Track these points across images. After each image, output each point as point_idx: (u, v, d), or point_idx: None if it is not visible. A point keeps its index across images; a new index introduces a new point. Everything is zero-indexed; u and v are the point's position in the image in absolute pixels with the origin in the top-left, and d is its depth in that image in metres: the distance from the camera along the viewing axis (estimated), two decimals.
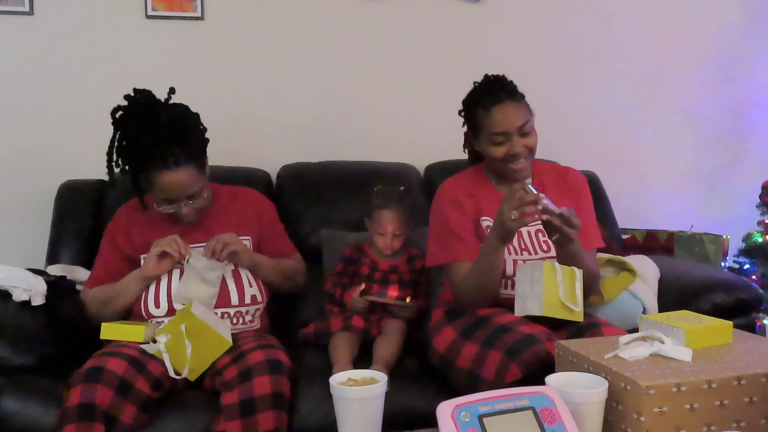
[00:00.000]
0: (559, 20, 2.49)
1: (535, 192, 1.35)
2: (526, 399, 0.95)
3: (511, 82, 1.57)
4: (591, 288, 1.56)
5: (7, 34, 2.15)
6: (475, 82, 1.60)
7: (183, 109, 1.61)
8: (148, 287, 1.62)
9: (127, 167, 1.57)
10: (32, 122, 2.18)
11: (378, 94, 2.39)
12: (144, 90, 1.58)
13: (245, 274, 1.67)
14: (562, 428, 0.94)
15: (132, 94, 1.57)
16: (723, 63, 2.65)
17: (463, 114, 1.62)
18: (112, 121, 1.57)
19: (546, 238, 1.53)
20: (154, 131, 1.52)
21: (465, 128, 1.65)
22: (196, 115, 1.63)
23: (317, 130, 2.35)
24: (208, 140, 1.65)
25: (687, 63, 2.62)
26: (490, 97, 1.53)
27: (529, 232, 1.57)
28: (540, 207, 1.34)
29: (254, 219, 1.74)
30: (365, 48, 2.37)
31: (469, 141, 1.67)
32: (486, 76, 1.59)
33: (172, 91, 1.60)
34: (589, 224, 1.62)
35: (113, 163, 1.57)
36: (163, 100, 1.59)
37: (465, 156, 1.74)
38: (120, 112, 1.56)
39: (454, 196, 1.59)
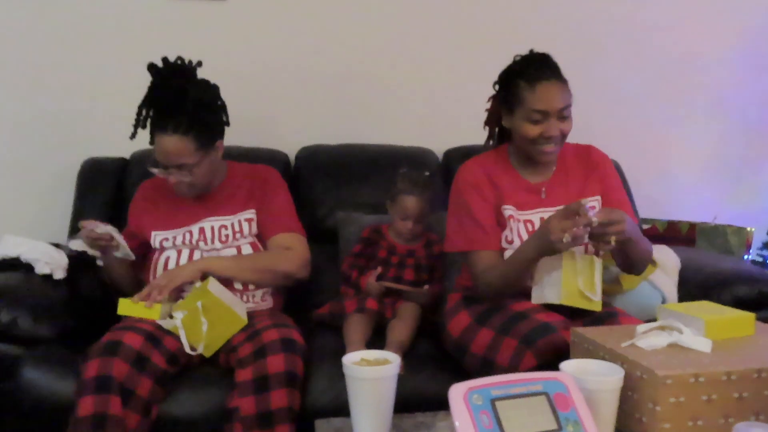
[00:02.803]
0: (586, 4, 2.44)
1: (590, 214, 1.28)
2: (539, 384, 0.94)
3: (555, 62, 1.49)
4: (645, 264, 1.51)
5: (30, 11, 2.16)
6: (517, 55, 1.53)
7: (206, 85, 1.62)
8: (156, 262, 1.64)
9: (148, 121, 1.59)
10: (55, 100, 2.20)
11: (398, 78, 2.37)
12: (181, 58, 1.60)
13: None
14: (576, 415, 0.93)
15: (170, 60, 1.59)
16: (753, 51, 2.57)
17: (497, 86, 1.55)
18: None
19: None
20: (169, 93, 1.55)
21: (490, 103, 1.58)
22: (217, 97, 1.64)
23: (337, 112, 2.34)
24: (224, 124, 1.65)
25: (716, 51, 2.55)
26: (536, 71, 1.45)
27: None
28: (588, 228, 1.28)
29: (260, 191, 1.72)
30: (386, 30, 2.35)
31: (495, 116, 1.59)
32: (531, 51, 1.52)
33: (198, 64, 1.61)
34: (621, 201, 1.57)
35: (141, 117, 1.59)
36: (196, 70, 1.61)
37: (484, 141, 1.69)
38: (154, 69, 1.59)
39: (474, 181, 1.55)
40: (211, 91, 1.62)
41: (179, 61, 1.59)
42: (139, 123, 1.59)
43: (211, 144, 1.60)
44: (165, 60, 1.58)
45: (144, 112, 1.59)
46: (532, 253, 1.38)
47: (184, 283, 1.53)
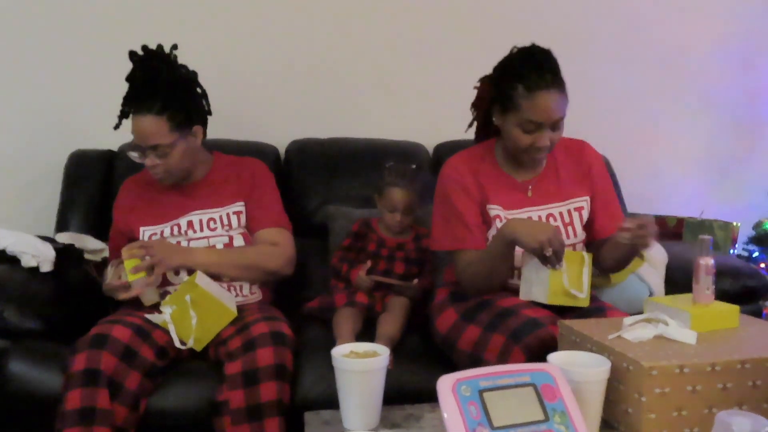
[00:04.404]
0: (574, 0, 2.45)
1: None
2: (527, 375, 0.95)
3: (557, 62, 1.43)
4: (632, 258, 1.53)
5: (15, 4, 2.14)
6: (514, 47, 1.48)
7: (183, 69, 1.62)
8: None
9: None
10: (42, 92, 2.19)
11: (389, 71, 2.36)
12: (160, 45, 1.61)
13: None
14: (563, 405, 0.93)
15: (150, 48, 1.60)
16: (741, 48, 2.60)
17: (493, 80, 1.50)
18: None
19: (565, 225, 1.52)
20: (143, 76, 1.56)
21: (479, 86, 1.55)
22: (194, 81, 1.64)
23: (327, 106, 2.34)
24: (204, 110, 1.65)
25: (704, 47, 2.57)
26: (537, 77, 1.39)
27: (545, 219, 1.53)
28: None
29: (248, 183, 1.71)
30: (376, 24, 2.34)
31: (484, 103, 1.55)
32: (533, 45, 1.46)
33: (174, 47, 1.61)
34: (611, 203, 1.57)
35: (125, 108, 1.59)
36: (174, 56, 1.61)
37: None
38: (134, 56, 1.60)
39: (460, 179, 1.52)
40: (187, 74, 1.63)
41: (158, 48, 1.59)
42: (123, 113, 1.59)
43: (188, 127, 1.59)
44: (144, 47, 1.59)
45: (128, 105, 1.58)
46: (510, 244, 1.38)
47: (169, 268, 1.54)
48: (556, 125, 1.44)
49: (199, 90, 1.66)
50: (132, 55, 1.58)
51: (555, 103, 1.40)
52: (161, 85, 1.55)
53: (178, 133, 1.57)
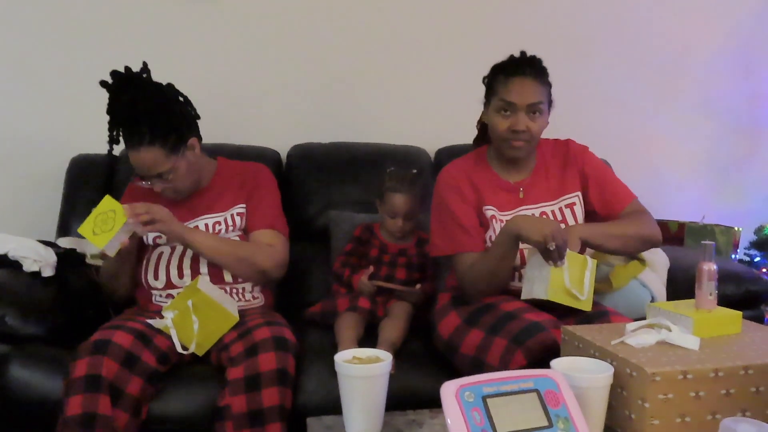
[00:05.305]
0: (577, 4, 2.45)
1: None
2: (530, 381, 0.95)
3: (544, 67, 1.52)
4: (642, 248, 1.57)
5: (19, 8, 2.14)
6: (512, 55, 1.56)
7: (157, 90, 1.57)
8: (149, 258, 1.63)
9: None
10: (44, 97, 2.19)
11: (390, 76, 2.37)
12: (127, 67, 1.57)
13: None
14: (566, 411, 0.93)
15: (119, 70, 1.56)
16: (742, 53, 2.61)
17: (486, 81, 1.58)
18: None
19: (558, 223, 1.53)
20: (122, 110, 1.54)
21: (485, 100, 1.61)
22: (175, 95, 1.60)
23: (328, 110, 2.34)
24: (191, 120, 1.62)
25: (705, 52, 2.58)
26: (515, 67, 1.49)
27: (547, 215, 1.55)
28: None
29: (250, 185, 1.71)
30: (378, 29, 2.35)
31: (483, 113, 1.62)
32: (523, 52, 1.55)
33: (144, 68, 1.57)
34: (611, 182, 1.59)
35: (112, 134, 1.57)
36: (144, 77, 1.57)
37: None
38: (106, 85, 1.56)
39: (455, 184, 1.56)
40: (163, 94, 1.58)
41: (127, 72, 1.55)
42: (112, 139, 1.57)
43: (182, 144, 1.58)
44: (114, 73, 1.56)
45: (115, 132, 1.57)
46: (516, 228, 1.39)
47: (168, 232, 1.53)
48: (531, 110, 1.47)
49: (180, 98, 1.62)
50: (103, 84, 1.55)
51: (529, 86, 1.46)
52: (141, 116, 1.51)
53: (175, 156, 1.56)
